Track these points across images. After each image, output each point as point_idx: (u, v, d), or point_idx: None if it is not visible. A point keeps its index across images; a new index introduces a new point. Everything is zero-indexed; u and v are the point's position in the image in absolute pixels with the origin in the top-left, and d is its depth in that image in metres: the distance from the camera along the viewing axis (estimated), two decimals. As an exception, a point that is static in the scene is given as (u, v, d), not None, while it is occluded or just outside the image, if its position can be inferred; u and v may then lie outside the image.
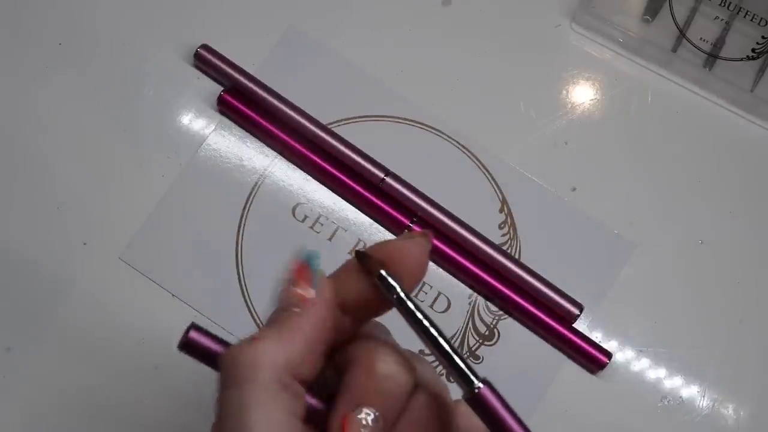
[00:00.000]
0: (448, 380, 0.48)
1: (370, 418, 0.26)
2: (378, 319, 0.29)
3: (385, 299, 0.27)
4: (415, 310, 0.27)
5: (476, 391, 0.26)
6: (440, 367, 0.45)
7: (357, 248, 0.49)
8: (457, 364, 0.27)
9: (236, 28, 0.53)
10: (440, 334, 0.27)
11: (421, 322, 0.27)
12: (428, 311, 0.49)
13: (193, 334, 0.27)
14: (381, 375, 0.26)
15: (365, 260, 0.27)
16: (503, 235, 0.51)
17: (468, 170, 0.51)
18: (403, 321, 0.28)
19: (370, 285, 0.27)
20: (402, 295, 0.27)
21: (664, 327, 0.50)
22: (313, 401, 0.27)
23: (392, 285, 0.27)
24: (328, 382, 0.28)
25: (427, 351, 0.28)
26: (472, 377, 0.27)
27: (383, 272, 0.27)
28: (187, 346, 0.27)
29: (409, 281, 0.27)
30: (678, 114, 0.53)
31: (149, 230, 0.49)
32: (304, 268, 0.28)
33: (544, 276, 0.49)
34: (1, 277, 0.49)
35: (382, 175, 0.50)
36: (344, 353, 0.28)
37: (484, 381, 0.27)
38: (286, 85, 0.51)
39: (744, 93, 0.53)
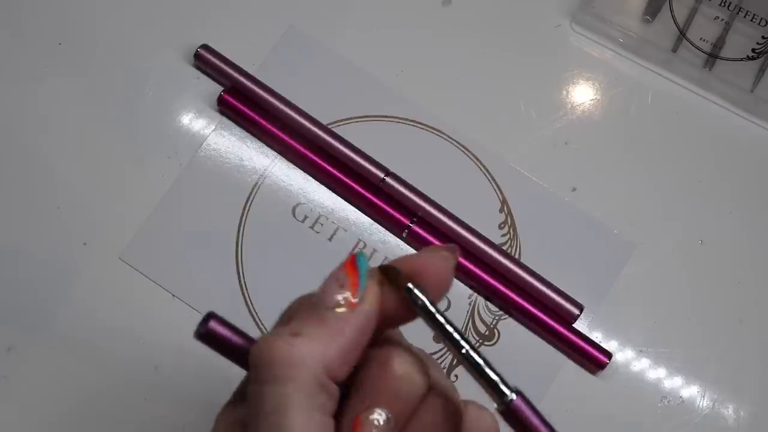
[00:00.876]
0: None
1: (382, 419, 0.26)
2: None
3: (412, 311, 0.27)
4: (445, 324, 0.27)
5: (510, 401, 0.26)
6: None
7: (382, 262, 0.49)
8: (488, 375, 0.26)
9: (236, 28, 0.53)
10: (471, 346, 0.27)
11: (451, 335, 0.27)
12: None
13: (213, 324, 0.26)
14: (396, 376, 0.26)
15: (393, 274, 0.27)
16: (503, 235, 0.51)
17: (468, 170, 0.51)
18: (415, 322, 0.28)
19: (398, 297, 0.27)
20: (431, 308, 0.27)
21: (664, 327, 0.50)
22: None
23: (420, 298, 0.27)
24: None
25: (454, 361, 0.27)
26: (504, 389, 0.26)
27: (410, 285, 0.27)
28: (206, 336, 0.27)
29: (433, 295, 0.27)
30: (678, 114, 0.53)
31: (149, 230, 0.49)
32: (355, 270, 0.27)
33: (544, 276, 0.49)
34: (1, 277, 0.49)
35: (382, 175, 0.50)
36: None
37: (517, 391, 0.26)
38: (286, 85, 0.51)
39: (744, 93, 0.53)
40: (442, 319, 0.27)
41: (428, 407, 0.27)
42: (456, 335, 0.27)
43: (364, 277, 0.27)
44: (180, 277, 0.49)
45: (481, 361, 0.26)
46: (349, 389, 0.27)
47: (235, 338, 0.27)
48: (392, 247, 0.50)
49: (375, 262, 0.50)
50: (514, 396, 0.26)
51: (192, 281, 0.49)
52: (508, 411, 0.26)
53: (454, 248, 0.28)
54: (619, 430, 0.49)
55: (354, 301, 0.26)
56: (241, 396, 0.28)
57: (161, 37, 0.53)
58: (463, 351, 0.27)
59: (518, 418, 0.26)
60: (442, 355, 0.48)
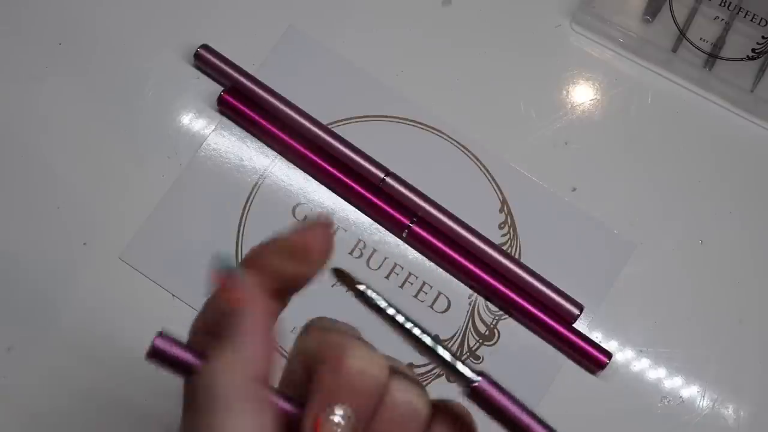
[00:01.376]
0: (448, 380, 0.48)
1: (343, 417, 0.25)
2: (365, 324, 0.29)
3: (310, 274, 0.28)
4: (404, 322, 0.27)
5: (473, 385, 0.27)
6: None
7: (381, 264, 0.49)
8: (450, 363, 0.27)
9: (236, 28, 0.53)
10: (431, 338, 0.27)
11: (409, 331, 0.27)
12: (427, 311, 0.49)
13: (159, 342, 0.26)
14: (351, 371, 0.26)
15: (341, 276, 0.28)
16: (503, 235, 0.51)
17: (468, 170, 0.51)
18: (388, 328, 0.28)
19: (295, 266, 0.27)
20: (383, 305, 0.27)
21: (664, 327, 0.50)
22: (287, 406, 0.27)
23: (373, 299, 0.27)
24: (299, 385, 0.27)
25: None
26: (467, 373, 0.27)
27: (362, 287, 0.27)
28: (154, 355, 0.26)
29: (317, 266, 0.28)
30: (678, 114, 0.53)
31: (149, 230, 0.49)
32: (224, 274, 0.27)
33: (544, 276, 0.49)
34: (1, 277, 0.49)
35: (382, 175, 0.50)
36: (313, 353, 0.27)
37: (480, 373, 0.27)
38: (286, 85, 0.51)
39: (744, 93, 0.53)
40: (401, 318, 0.27)
41: (394, 399, 0.27)
42: (415, 330, 0.27)
43: (230, 275, 0.27)
44: (180, 277, 0.49)
45: (442, 351, 0.27)
46: (309, 392, 0.26)
47: (184, 355, 0.27)
48: (392, 247, 0.50)
49: (375, 262, 0.50)
50: (479, 378, 0.27)
51: (192, 281, 0.49)
52: (473, 394, 0.27)
53: (327, 216, 0.29)
54: (619, 430, 0.49)
55: (241, 297, 0.27)
56: None
57: (161, 37, 0.53)
58: (423, 344, 0.27)
59: (484, 399, 0.27)
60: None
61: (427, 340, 0.27)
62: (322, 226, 0.28)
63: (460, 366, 0.27)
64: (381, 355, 0.27)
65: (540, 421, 0.27)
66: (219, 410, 0.24)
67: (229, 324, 0.26)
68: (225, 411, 0.24)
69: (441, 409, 0.28)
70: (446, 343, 0.49)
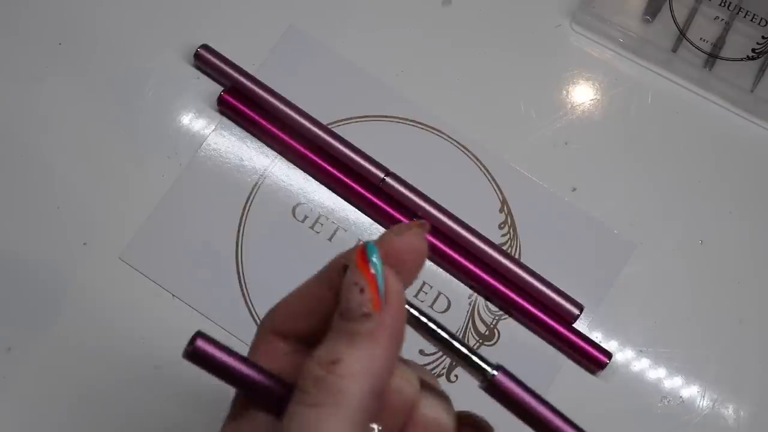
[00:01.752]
0: (448, 380, 0.48)
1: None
2: None
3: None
4: (419, 315, 0.27)
5: (491, 379, 0.27)
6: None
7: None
8: (468, 356, 0.27)
9: (236, 28, 0.53)
10: (447, 332, 0.27)
11: (426, 325, 0.27)
12: (429, 310, 0.49)
13: (201, 343, 0.25)
14: (389, 388, 0.26)
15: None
16: (503, 235, 0.51)
17: (468, 170, 0.51)
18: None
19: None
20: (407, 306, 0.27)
21: (664, 327, 0.50)
22: None
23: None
24: None
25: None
26: (485, 366, 0.27)
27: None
28: (194, 355, 0.26)
29: (412, 273, 0.27)
30: (678, 114, 0.53)
31: (149, 230, 0.49)
32: (368, 267, 0.25)
33: (544, 276, 0.49)
34: (1, 277, 0.49)
35: (382, 175, 0.50)
36: None
37: (498, 367, 0.27)
38: (286, 85, 0.51)
39: (744, 93, 0.53)
40: (416, 312, 0.27)
41: (421, 418, 0.27)
42: (432, 325, 0.27)
43: (381, 272, 0.25)
44: (180, 277, 0.49)
45: (458, 344, 0.27)
46: None
47: (225, 357, 0.26)
48: (392, 247, 0.50)
49: (375, 262, 0.50)
50: (495, 372, 0.27)
51: (192, 281, 0.49)
52: (491, 387, 0.27)
53: (423, 223, 0.27)
54: (618, 430, 0.49)
55: (377, 302, 0.25)
56: (238, 411, 0.27)
57: (161, 37, 0.53)
58: (441, 338, 0.27)
59: (503, 392, 0.27)
60: (441, 356, 0.48)
61: (443, 334, 0.27)
62: (417, 232, 0.27)
63: (476, 359, 0.27)
64: (413, 372, 0.27)
65: (558, 414, 0.27)
66: (337, 415, 0.23)
67: (367, 330, 0.24)
68: (342, 420, 0.23)
69: (465, 422, 0.28)
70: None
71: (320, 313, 0.27)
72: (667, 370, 0.49)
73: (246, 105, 0.51)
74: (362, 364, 0.24)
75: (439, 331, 0.27)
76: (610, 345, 0.49)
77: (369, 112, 0.52)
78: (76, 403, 0.47)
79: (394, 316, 0.25)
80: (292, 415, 0.24)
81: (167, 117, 0.51)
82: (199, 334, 0.26)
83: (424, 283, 0.49)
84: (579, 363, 0.49)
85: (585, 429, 0.27)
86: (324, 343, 0.25)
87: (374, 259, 0.25)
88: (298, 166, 0.51)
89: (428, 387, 0.27)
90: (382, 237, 0.26)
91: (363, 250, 0.25)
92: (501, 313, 0.49)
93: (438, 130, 0.52)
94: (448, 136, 0.52)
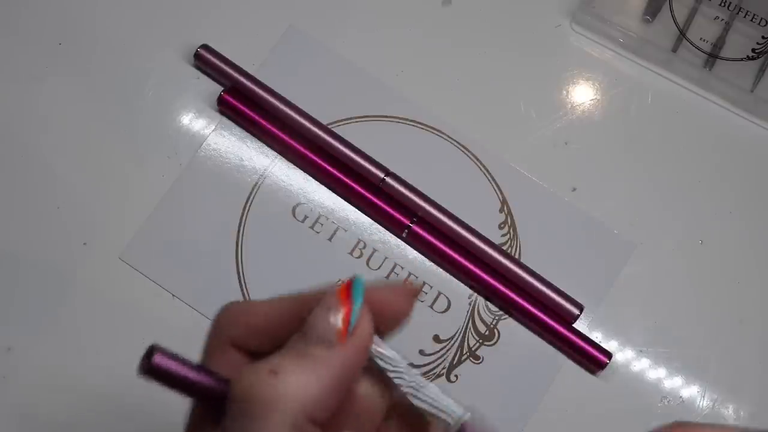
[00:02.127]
0: (448, 380, 0.48)
1: None
2: None
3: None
4: (384, 366, 0.26)
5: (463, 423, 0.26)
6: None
7: (382, 263, 0.49)
8: (437, 407, 0.26)
9: (236, 28, 0.53)
10: (410, 385, 0.26)
11: (389, 379, 0.26)
12: (428, 311, 0.49)
13: (158, 358, 0.24)
14: (359, 397, 0.26)
15: None
16: (503, 235, 0.51)
17: (468, 170, 0.51)
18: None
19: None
20: (375, 357, 0.26)
21: (664, 327, 0.50)
22: None
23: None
24: None
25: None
26: (449, 421, 0.26)
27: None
28: (151, 371, 0.25)
29: (387, 327, 0.26)
30: (678, 114, 0.53)
31: (149, 230, 0.49)
32: (349, 298, 0.25)
33: (544, 276, 0.49)
34: (1, 276, 0.49)
35: (382, 175, 0.50)
36: None
37: (465, 419, 0.26)
38: (286, 85, 0.51)
39: (744, 93, 0.53)
40: (381, 363, 0.26)
41: (392, 426, 0.27)
42: (395, 380, 0.26)
43: (358, 308, 0.25)
44: (180, 277, 0.49)
45: (418, 400, 0.26)
46: None
47: (186, 372, 0.25)
48: (392, 247, 0.50)
49: (375, 262, 0.50)
50: (466, 416, 0.26)
51: (192, 281, 0.49)
52: None
53: (416, 287, 0.27)
54: (618, 430, 0.48)
55: (343, 334, 0.24)
56: (197, 423, 0.27)
57: (161, 37, 0.53)
58: (406, 391, 0.26)
59: None
60: (441, 356, 0.48)
61: (405, 389, 0.26)
62: (407, 294, 0.27)
63: (441, 414, 0.26)
64: (384, 381, 0.26)
65: None
66: (267, 428, 0.23)
67: (318, 351, 0.24)
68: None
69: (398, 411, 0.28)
70: (446, 343, 0.49)
71: (285, 333, 0.26)
72: (667, 370, 0.49)
73: (246, 105, 0.51)
74: (300, 381, 0.23)
75: (401, 385, 0.26)
76: (610, 345, 0.49)
77: (369, 112, 0.52)
78: (75, 403, 0.47)
79: (352, 355, 0.25)
80: (224, 427, 0.24)
81: (167, 117, 0.51)
82: (155, 348, 0.25)
83: (424, 283, 0.49)
84: (579, 363, 0.49)
85: None
86: (269, 357, 0.25)
87: (357, 294, 0.25)
88: (298, 166, 0.51)
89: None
90: (372, 283, 0.26)
91: (350, 283, 0.25)
92: (501, 313, 0.49)
93: (438, 130, 0.52)
94: (448, 136, 0.52)
